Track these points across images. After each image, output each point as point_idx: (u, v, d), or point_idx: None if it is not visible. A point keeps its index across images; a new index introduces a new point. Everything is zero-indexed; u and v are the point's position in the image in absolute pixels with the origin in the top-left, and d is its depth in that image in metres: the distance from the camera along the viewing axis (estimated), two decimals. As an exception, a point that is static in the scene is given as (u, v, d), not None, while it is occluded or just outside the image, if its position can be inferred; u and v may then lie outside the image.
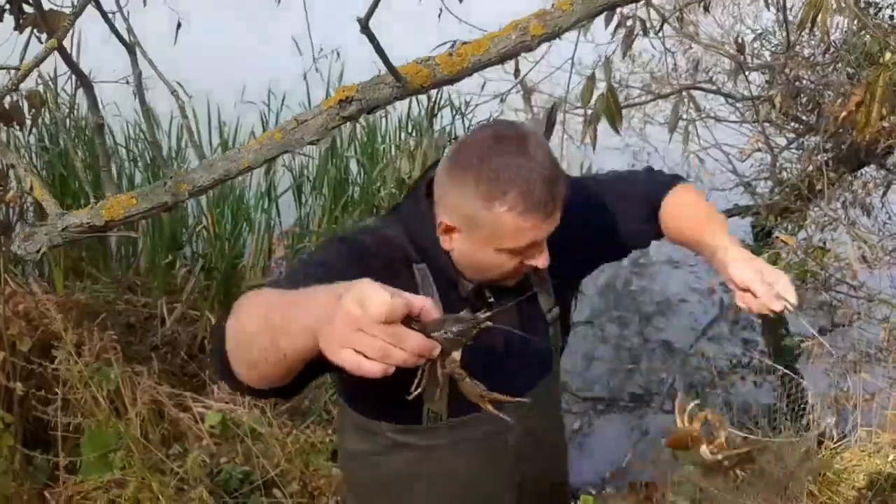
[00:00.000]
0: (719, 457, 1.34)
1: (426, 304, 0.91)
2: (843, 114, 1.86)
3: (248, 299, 1.05)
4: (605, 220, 1.57)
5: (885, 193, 4.32)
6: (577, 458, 4.27)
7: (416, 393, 0.97)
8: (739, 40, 2.91)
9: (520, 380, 1.44)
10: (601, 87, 1.93)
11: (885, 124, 4.35)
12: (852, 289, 4.79)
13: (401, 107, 5.80)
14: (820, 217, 4.44)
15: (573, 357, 4.91)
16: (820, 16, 2.12)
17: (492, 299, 1.40)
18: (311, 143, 1.13)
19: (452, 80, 1.30)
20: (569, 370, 4.70)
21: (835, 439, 3.70)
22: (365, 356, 0.85)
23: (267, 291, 1.06)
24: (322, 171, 5.02)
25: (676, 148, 5.36)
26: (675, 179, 1.65)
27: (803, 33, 4.46)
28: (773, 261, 4.68)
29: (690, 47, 5.72)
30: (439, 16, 2.31)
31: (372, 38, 1.09)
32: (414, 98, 4.09)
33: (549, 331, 1.51)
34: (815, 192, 4.73)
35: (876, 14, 4.08)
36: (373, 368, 0.85)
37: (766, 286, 1.31)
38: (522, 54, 1.36)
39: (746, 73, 5.55)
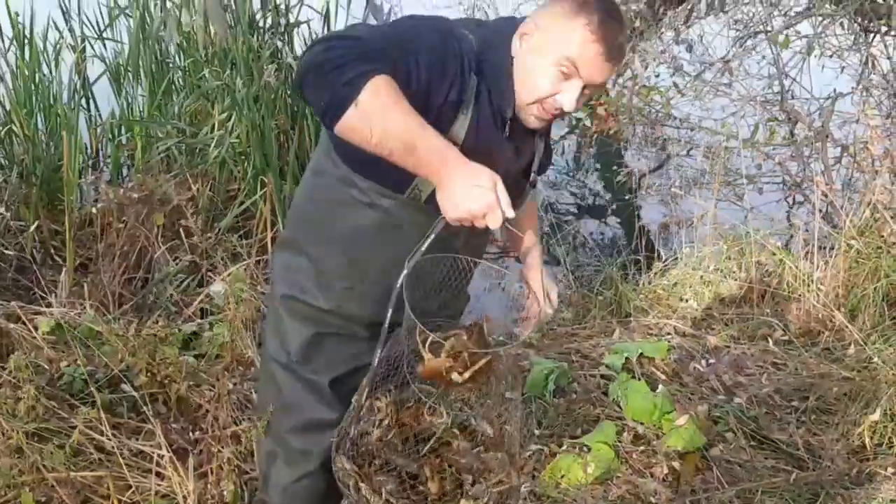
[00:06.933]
0: (466, 376, 1.50)
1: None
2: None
3: (385, 95, 1.35)
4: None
5: (686, 21, 4.50)
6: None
7: None
8: None
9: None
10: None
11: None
12: (678, 121, 5.05)
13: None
14: (643, 54, 4.60)
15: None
16: None
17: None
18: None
19: None
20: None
21: (664, 259, 3.96)
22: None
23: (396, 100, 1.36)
24: (135, 55, 4.64)
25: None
26: None
27: None
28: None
29: None
30: None
31: None
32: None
33: (526, 187, 1.76)
34: (638, 32, 4.86)
35: None
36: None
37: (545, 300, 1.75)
38: None
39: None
